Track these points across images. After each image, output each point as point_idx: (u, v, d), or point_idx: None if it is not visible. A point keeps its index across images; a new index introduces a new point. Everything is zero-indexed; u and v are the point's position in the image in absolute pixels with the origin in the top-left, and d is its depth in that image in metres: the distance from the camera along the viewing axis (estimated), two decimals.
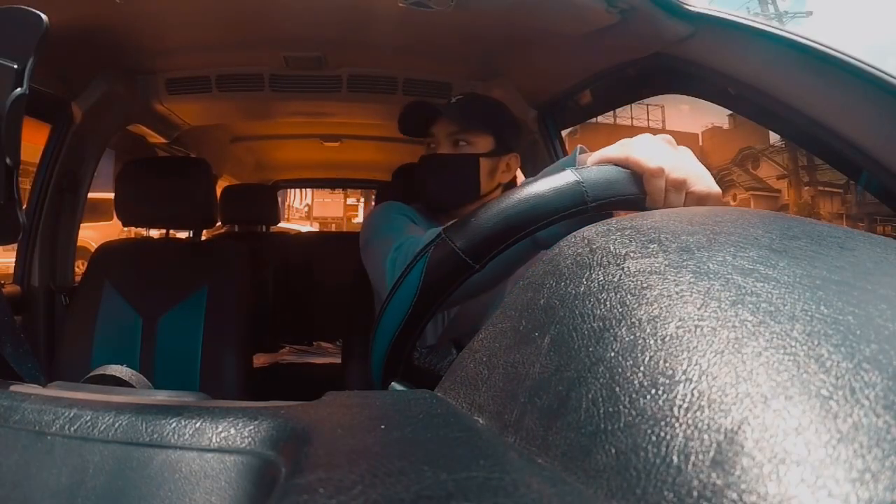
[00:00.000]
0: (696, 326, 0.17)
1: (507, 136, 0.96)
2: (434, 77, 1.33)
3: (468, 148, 0.93)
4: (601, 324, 0.19)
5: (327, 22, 1.04)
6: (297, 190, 8.05)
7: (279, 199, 2.50)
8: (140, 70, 1.29)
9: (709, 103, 0.81)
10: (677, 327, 0.17)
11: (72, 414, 0.22)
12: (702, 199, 0.44)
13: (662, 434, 0.14)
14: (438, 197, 0.97)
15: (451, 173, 0.95)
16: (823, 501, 0.11)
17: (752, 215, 0.26)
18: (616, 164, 0.42)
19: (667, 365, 0.16)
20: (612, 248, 0.23)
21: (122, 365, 0.36)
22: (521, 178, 1.05)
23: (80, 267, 1.49)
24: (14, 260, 1.27)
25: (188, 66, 1.29)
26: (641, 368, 0.16)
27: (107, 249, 1.25)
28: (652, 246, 0.22)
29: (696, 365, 0.15)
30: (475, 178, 0.93)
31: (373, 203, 2.85)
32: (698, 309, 0.17)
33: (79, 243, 1.40)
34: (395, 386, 0.39)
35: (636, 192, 0.40)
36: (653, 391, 0.15)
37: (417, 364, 0.42)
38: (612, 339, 0.18)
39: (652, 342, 0.17)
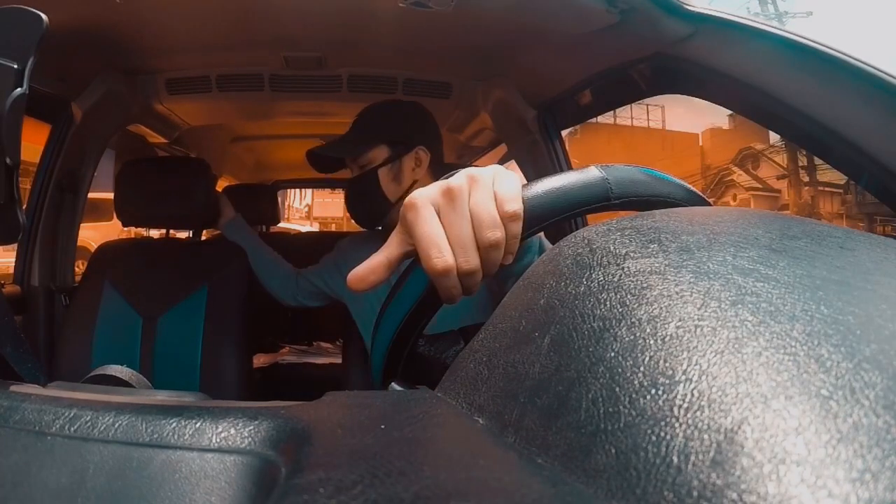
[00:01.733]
0: (696, 326, 0.17)
1: (400, 136, 0.97)
2: (434, 77, 1.32)
3: (369, 166, 0.97)
4: (601, 324, 0.19)
5: (327, 22, 1.04)
6: (298, 190, 8.05)
7: (279, 199, 2.50)
8: (140, 70, 1.28)
9: (709, 103, 0.81)
10: (677, 327, 0.17)
11: (72, 414, 0.22)
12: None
13: (662, 434, 0.14)
14: (359, 220, 1.05)
15: (356, 196, 1.01)
16: (823, 501, 0.11)
17: (752, 215, 0.26)
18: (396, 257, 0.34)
19: (667, 365, 0.16)
20: (612, 248, 0.23)
21: (121, 365, 0.36)
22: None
23: (80, 267, 1.49)
24: (14, 260, 1.27)
25: (188, 66, 1.28)
26: (641, 368, 0.16)
27: (106, 249, 1.25)
28: (652, 246, 0.22)
29: (696, 365, 0.15)
30: (377, 190, 0.96)
31: None
32: (698, 309, 0.17)
33: (79, 243, 1.39)
34: (395, 386, 0.38)
35: (660, 193, 0.40)
36: (653, 391, 0.15)
37: (423, 352, 0.41)
38: (612, 339, 0.18)
39: (652, 342, 0.17)
